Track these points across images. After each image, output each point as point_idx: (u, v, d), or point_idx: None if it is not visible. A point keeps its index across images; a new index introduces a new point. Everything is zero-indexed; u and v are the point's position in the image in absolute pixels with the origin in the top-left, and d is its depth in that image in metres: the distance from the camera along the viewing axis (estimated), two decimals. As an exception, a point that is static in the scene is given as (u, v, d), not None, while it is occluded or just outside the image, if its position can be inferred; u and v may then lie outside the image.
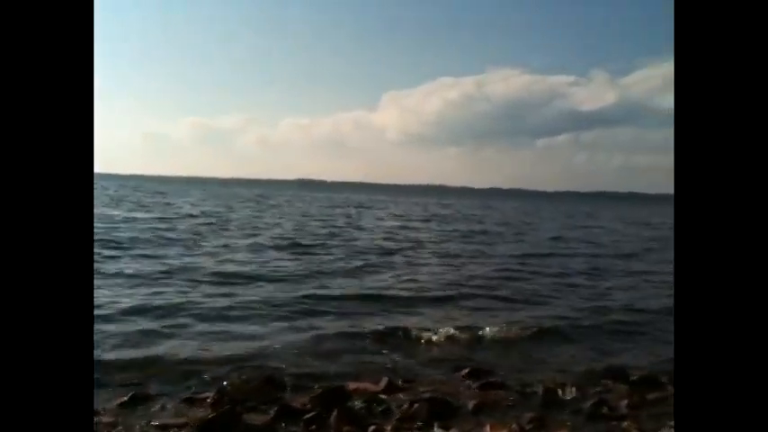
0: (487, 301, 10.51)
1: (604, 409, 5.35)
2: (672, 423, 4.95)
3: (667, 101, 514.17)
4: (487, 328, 8.22)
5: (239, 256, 14.86)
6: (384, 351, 7.15)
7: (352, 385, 5.75)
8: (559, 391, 5.77)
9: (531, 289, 11.86)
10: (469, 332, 8.09)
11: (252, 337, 7.47)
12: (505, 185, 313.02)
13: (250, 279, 11.65)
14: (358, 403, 5.27)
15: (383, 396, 5.51)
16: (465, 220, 36.11)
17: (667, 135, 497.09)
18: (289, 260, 14.61)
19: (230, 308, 8.94)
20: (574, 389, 5.87)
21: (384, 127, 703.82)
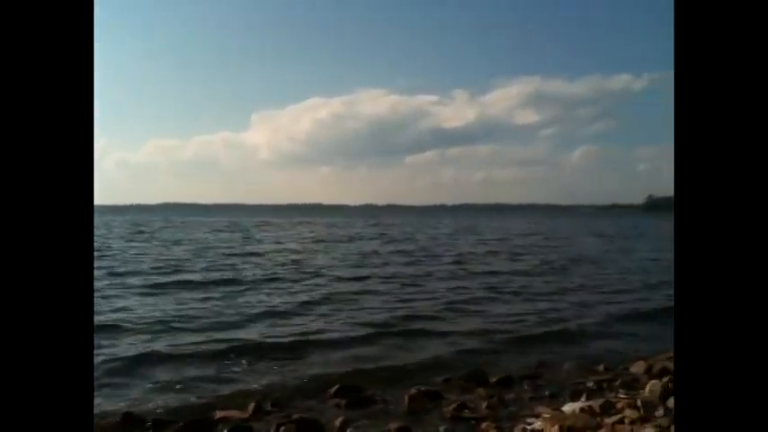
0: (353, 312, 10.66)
1: (465, 412, 5.63)
2: (529, 420, 5.32)
3: (522, 118, 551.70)
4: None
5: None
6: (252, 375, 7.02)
7: (218, 414, 5.59)
8: (423, 398, 5.99)
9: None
10: (339, 349, 8.18)
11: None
12: (380, 202, 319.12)
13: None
14: (224, 432, 5.15)
15: (251, 422, 5.42)
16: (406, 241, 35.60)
17: (525, 150, 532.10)
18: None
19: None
20: (439, 394, 6.14)
21: (255, 147, 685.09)
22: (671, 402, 5.24)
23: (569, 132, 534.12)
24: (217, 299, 12.25)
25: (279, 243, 31.24)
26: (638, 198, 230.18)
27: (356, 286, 14.70)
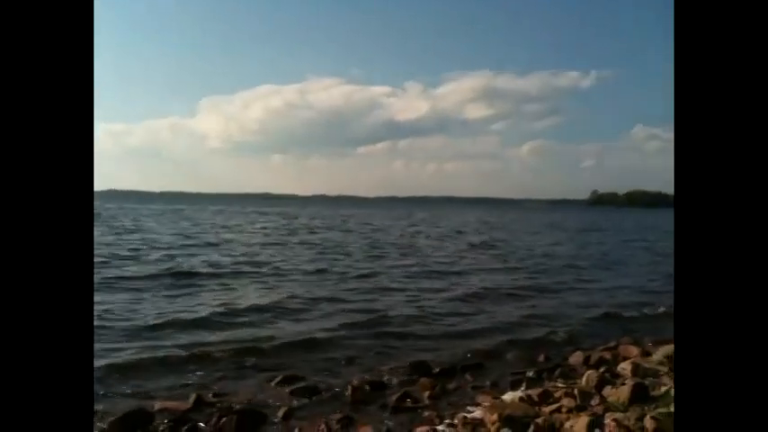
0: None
1: (408, 402, 5.69)
2: (469, 409, 5.41)
3: (474, 112, 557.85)
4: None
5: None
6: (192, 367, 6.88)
7: (158, 405, 5.47)
8: (366, 389, 6.01)
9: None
10: (282, 340, 8.11)
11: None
12: (331, 192, 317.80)
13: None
14: (163, 424, 5.04)
15: (192, 413, 5.33)
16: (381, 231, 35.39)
17: (476, 144, 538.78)
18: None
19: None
20: (383, 384, 6.19)
21: (204, 134, 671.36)
22: (606, 391, 5.41)
23: (519, 127, 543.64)
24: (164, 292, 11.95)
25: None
26: (584, 193, 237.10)
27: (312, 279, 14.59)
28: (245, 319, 9.51)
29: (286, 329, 8.86)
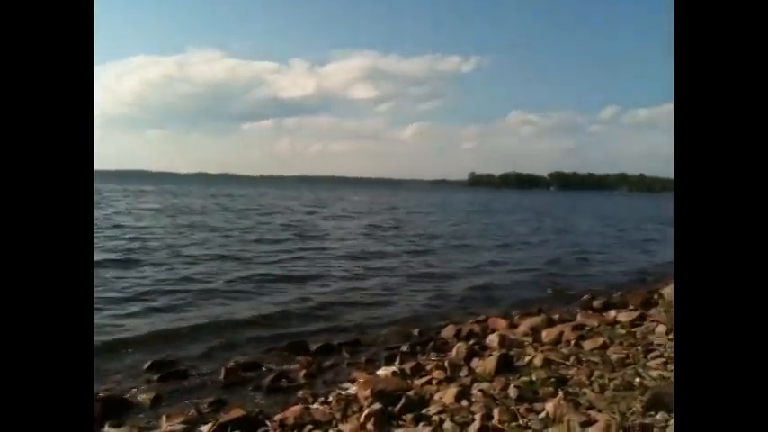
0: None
1: (283, 381, 5.64)
2: (344, 386, 5.45)
3: (360, 92, 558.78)
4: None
5: None
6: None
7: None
8: (241, 371, 5.89)
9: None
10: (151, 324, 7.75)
11: None
12: (213, 170, 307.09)
13: None
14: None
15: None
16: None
17: (362, 124, 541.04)
18: None
19: None
20: (258, 365, 6.08)
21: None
22: (474, 363, 5.66)
23: (403, 109, 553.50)
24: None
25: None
26: (463, 174, 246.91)
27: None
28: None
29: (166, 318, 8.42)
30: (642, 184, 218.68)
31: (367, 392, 4.72)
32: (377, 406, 4.43)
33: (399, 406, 4.43)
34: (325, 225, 26.11)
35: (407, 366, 5.68)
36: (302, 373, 5.88)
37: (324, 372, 6.01)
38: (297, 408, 4.77)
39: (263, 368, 6.09)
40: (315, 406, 4.89)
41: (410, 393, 4.72)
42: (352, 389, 5.20)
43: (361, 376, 5.51)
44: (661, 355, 5.31)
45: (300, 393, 5.30)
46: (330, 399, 5.01)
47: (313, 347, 6.77)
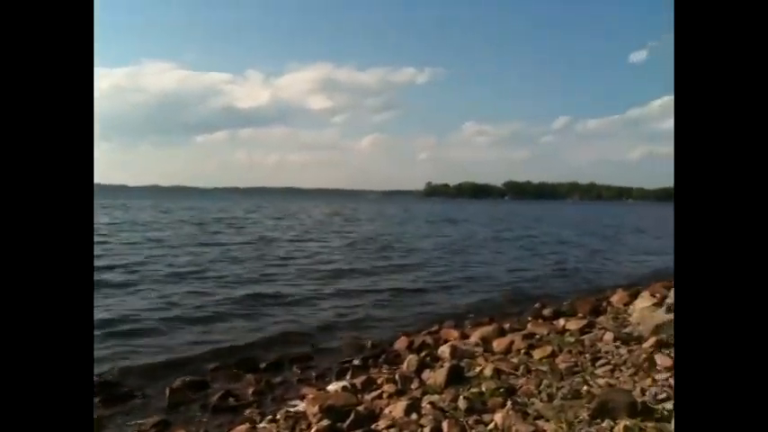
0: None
1: (230, 400, 5.48)
2: (293, 403, 5.34)
3: (315, 103, 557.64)
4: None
5: None
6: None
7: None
8: (186, 390, 5.71)
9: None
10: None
11: None
12: (165, 183, 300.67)
13: None
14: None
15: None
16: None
17: (318, 135, 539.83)
18: None
19: None
20: (205, 383, 5.91)
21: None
22: (425, 375, 5.62)
23: (358, 120, 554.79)
24: None
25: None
26: (419, 184, 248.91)
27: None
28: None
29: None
30: (593, 192, 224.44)
31: (315, 409, 4.63)
32: (325, 423, 4.35)
33: (348, 422, 4.36)
34: (288, 240, 25.67)
35: (358, 381, 5.60)
36: (250, 390, 5.73)
37: (273, 389, 5.88)
38: (243, 427, 4.65)
39: (210, 387, 5.92)
40: (262, 425, 4.77)
41: (360, 408, 4.65)
42: (301, 406, 5.10)
43: (310, 392, 5.41)
44: (608, 363, 5.38)
45: (248, 412, 5.16)
46: (278, 417, 4.89)
47: (263, 364, 6.63)
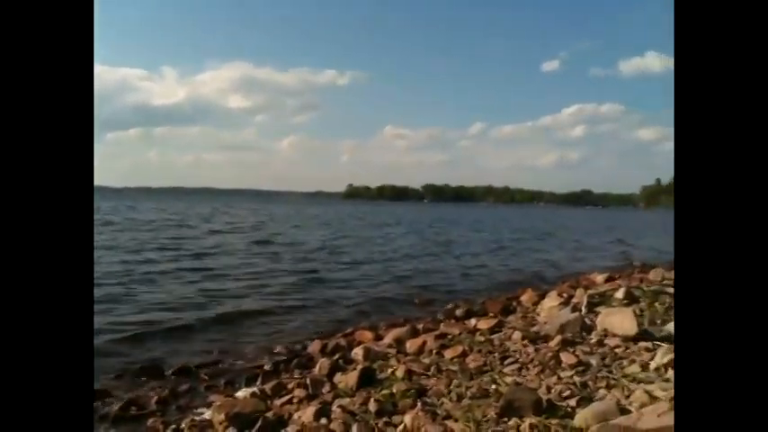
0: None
1: (132, 410, 5.21)
2: (199, 411, 5.13)
3: (235, 102, 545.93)
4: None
5: None
6: None
7: None
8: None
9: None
10: None
11: None
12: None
13: None
14: None
15: None
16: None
17: (237, 135, 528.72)
18: None
19: None
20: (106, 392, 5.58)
21: None
22: (337, 378, 5.56)
23: (279, 120, 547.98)
24: None
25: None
26: (340, 186, 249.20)
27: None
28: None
29: None
30: (507, 196, 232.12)
31: (222, 417, 4.47)
32: (231, 431, 4.21)
33: (255, 429, 4.25)
34: (208, 241, 24.86)
35: (268, 386, 5.46)
36: (154, 399, 5.46)
37: (179, 397, 5.63)
38: (144, 438, 4.42)
39: (111, 396, 5.59)
40: (166, 435, 4.56)
41: (268, 415, 4.54)
42: (208, 414, 4.91)
43: (218, 400, 5.23)
44: (516, 361, 5.51)
45: (151, 422, 4.91)
46: (183, 426, 4.69)
47: (168, 371, 6.35)
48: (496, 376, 5.06)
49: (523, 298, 9.92)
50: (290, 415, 4.60)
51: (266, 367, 6.45)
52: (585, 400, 4.10)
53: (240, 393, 5.49)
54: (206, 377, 6.27)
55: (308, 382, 5.39)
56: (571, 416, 3.80)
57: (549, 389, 4.46)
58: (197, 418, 4.88)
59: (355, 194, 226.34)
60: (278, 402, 5.03)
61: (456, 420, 3.98)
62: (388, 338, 7.31)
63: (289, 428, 4.29)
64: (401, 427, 4.04)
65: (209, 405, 5.22)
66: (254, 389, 5.54)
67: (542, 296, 9.62)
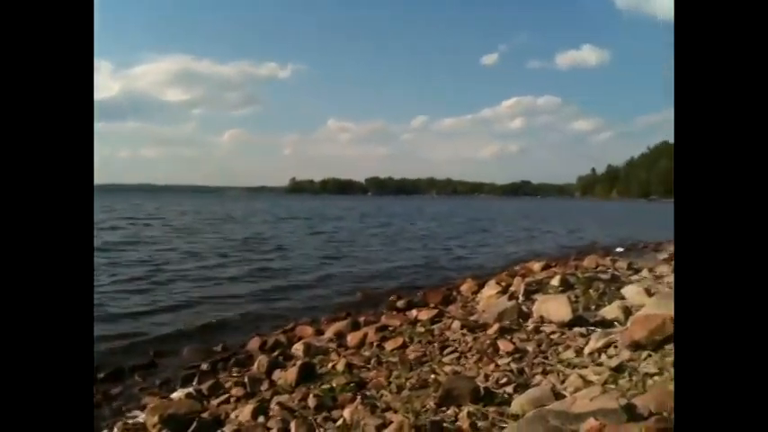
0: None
1: (60, 417, 4.99)
2: (133, 414, 4.97)
3: (171, 95, 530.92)
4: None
5: None
6: None
7: None
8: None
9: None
10: None
11: None
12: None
13: None
14: None
15: None
16: None
17: (174, 129, 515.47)
18: None
19: None
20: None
21: None
22: (276, 375, 5.48)
23: (219, 114, 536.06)
24: None
25: None
26: (283, 180, 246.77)
27: None
28: None
29: None
30: (449, 188, 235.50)
31: (155, 419, 4.33)
32: (165, 433, 4.08)
33: (191, 431, 4.13)
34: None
35: (205, 386, 5.33)
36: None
37: (111, 400, 5.42)
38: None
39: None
40: (96, 440, 4.38)
41: (204, 415, 4.43)
42: (141, 417, 4.75)
43: (152, 401, 5.06)
44: (455, 351, 5.57)
45: (80, 428, 4.71)
46: (115, 430, 4.53)
47: (101, 374, 6.09)
48: (435, 366, 5.10)
49: (463, 288, 10.06)
50: (227, 415, 4.51)
51: (203, 367, 6.27)
52: (522, 387, 4.18)
53: (175, 395, 5.34)
54: (140, 379, 6.07)
55: (245, 380, 5.30)
56: (508, 402, 3.86)
57: (486, 377, 4.53)
58: (130, 421, 4.72)
59: (299, 189, 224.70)
60: (215, 402, 4.92)
61: (395, 412, 3.98)
62: (329, 333, 7.27)
63: (225, 428, 4.20)
64: (340, 421, 4.01)
65: (143, 408, 5.05)
66: (190, 389, 5.40)
67: (482, 285, 9.78)
